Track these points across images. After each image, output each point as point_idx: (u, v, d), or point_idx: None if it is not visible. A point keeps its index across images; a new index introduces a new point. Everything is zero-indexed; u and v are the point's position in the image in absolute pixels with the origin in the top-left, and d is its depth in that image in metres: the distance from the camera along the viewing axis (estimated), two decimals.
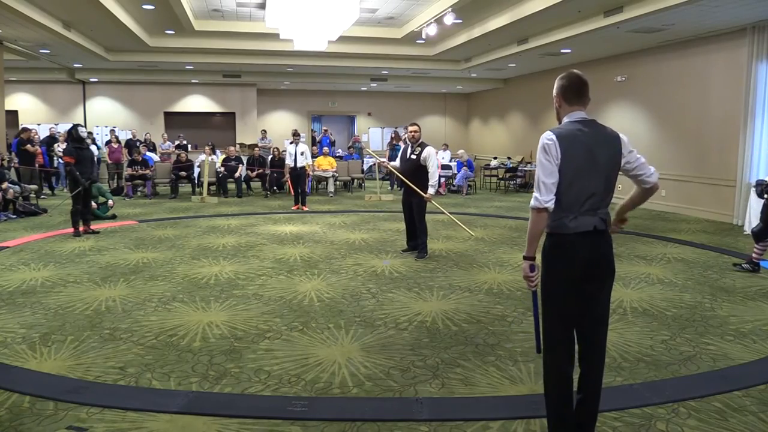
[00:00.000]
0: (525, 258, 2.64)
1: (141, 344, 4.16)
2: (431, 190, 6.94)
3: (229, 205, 12.33)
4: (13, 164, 12.10)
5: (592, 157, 2.54)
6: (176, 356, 3.94)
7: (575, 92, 2.64)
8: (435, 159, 7.03)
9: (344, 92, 21.14)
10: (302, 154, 11.53)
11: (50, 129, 15.95)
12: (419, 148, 7.04)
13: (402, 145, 7.43)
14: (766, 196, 6.10)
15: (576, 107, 2.65)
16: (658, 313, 4.92)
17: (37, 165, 13.41)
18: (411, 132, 7.14)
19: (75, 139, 8.36)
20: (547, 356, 2.68)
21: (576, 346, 2.69)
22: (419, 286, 5.81)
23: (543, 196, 2.53)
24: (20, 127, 14.99)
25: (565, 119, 2.66)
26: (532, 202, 2.56)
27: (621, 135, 2.66)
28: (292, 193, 11.75)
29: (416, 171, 7.02)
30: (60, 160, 13.70)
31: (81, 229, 8.36)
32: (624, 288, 5.72)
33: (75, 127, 8.48)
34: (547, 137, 2.55)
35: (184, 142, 16.32)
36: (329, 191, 14.12)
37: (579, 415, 2.69)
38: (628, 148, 2.64)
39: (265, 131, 18.27)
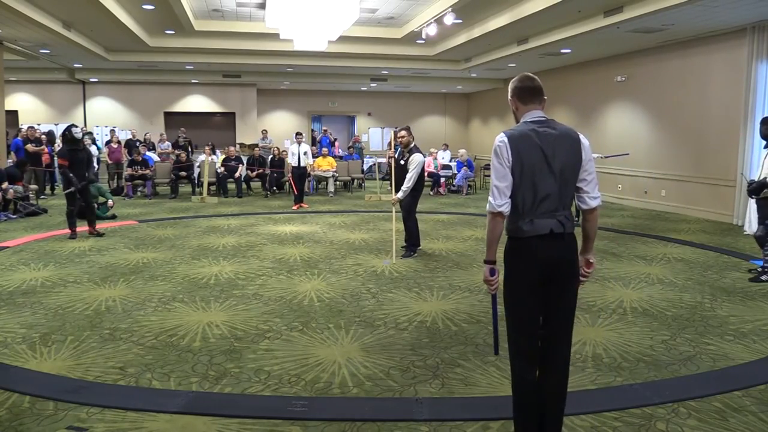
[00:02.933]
0: (485, 262, 2.60)
1: (141, 344, 4.16)
2: (400, 194, 6.93)
3: (229, 205, 12.33)
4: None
5: (545, 158, 2.47)
6: (176, 356, 3.94)
7: (529, 92, 2.59)
8: (418, 167, 6.89)
9: (344, 92, 21.13)
10: (305, 153, 11.85)
11: (59, 138, 15.82)
12: (408, 154, 7.01)
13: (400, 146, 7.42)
14: (753, 197, 5.96)
15: (532, 106, 2.60)
16: (658, 313, 4.92)
17: (43, 164, 13.40)
18: (399, 138, 7.11)
19: (68, 140, 8.01)
20: (511, 360, 2.63)
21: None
22: (419, 286, 5.81)
23: (496, 200, 2.48)
24: (20, 127, 14.98)
25: (522, 120, 2.60)
26: (487, 206, 2.53)
27: (583, 138, 2.58)
28: (296, 191, 11.78)
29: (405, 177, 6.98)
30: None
31: (87, 230, 8.33)
32: (624, 288, 5.72)
33: (69, 128, 8.03)
34: (499, 139, 2.50)
35: (185, 137, 16.08)
36: (329, 191, 14.13)
37: (542, 423, 2.59)
38: (588, 155, 2.56)
39: (265, 131, 18.25)
